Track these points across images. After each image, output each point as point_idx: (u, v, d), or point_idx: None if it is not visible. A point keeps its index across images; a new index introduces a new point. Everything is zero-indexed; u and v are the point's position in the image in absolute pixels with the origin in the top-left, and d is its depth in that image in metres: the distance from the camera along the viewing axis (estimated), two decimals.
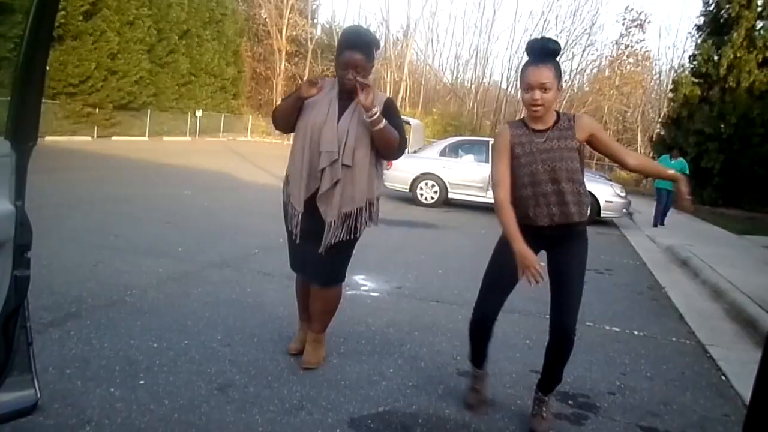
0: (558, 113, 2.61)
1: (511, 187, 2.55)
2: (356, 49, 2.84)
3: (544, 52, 2.51)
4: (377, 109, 2.82)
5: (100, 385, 2.71)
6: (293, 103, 2.95)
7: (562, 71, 2.61)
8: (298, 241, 2.99)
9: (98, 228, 6.20)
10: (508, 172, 2.55)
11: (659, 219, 11.84)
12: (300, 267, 3.17)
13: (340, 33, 3.05)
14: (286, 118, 3.01)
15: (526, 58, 2.59)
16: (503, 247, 2.57)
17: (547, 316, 2.75)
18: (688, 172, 11.76)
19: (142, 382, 2.79)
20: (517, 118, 2.67)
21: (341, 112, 2.93)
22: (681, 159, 12.37)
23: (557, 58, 2.56)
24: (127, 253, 5.21)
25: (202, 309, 3.93)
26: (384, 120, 2.84)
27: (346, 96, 2.94)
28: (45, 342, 3.08)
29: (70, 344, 3.13)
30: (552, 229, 2.56)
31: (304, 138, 2.92)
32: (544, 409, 2.77)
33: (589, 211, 2.68)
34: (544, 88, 2.46)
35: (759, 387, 1.05)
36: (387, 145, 2.93)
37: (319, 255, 2.96)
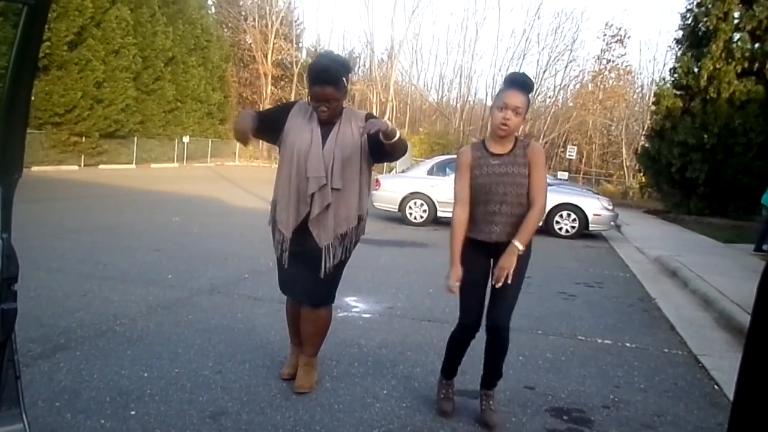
0: (516, 139, 2.83)
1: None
2: (324, 83, 2.86)
3: (523, 84, 2.77)
4: (391, 126, 2.79)
5: (90, 417, 2.68)
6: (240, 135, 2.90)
7: (530, 106, 2.90)
8: (287, 266, 3.02)
9: (87, 257, 6.16)
10: (468, 190, 2.81)
11: (763, 242, 10.27)
12: (290, 289, 3.16)
13: (310, 63, 3.06)
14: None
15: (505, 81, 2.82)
16: (464, 256, 2.83)
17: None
18: None
19: (133, 412, 2.76)
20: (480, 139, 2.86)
21: (324, 137, 2.96)
22: None
23: (529, 95, 2.82)
24: (116, 282, 5.17)
25: (192, 336, 3.91)
26: (396, 129, 2.82)
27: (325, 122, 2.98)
28: (34, 375, 3.05)
29: (59, 376, 3.09)
30: (494, 245, 2.78)
31: (290, 165, 2.95)
32: (491, 403, 2.97)
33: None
34: (516, 111, 2.70)
35: (740, 388, 1.06)
36: (402, 150, 2.94)
37: (311, 276, 2.98)
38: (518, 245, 2.69)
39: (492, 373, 2.98)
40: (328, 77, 2.87)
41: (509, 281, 2.70)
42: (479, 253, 2.84)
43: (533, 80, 2.92)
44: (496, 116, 2.73)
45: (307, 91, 3.01)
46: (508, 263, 2.68)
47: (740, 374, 1.05)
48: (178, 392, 3.02)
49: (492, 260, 2.85)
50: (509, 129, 2.72)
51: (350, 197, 2.98)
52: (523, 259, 2.80)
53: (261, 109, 3.07)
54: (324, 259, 2.95)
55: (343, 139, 2.96)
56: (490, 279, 2.83)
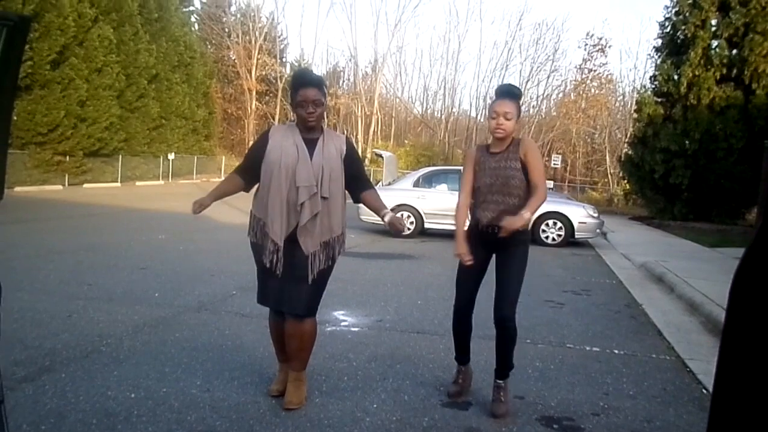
0: (512, 140, 3.21)
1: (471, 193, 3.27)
2: (308, 85, 3.02)
3: (510, 93, 3.21)
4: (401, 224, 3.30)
5: None
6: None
7: (521, 111, 3.34)
8: (281, 274, 3.02)
9: (71, 278, 6.10)
10: (470, 180, 3.26)
11: None
12: (273, 299, 3.13)
13: (290, 77, 3.30)
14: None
15: (492, 92, 3.13)
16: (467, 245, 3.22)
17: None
18: None
19: None
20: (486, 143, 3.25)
21: (311, 150, 3.06)
22: None
23: (519, 102, 3.26)
24: (101, 302, 5.12)
25: (180, 355, 3.87)
26: (390, 212, 3.25)
27: (309, 132, 3.09)
28: (18, 398, 3.00)
29: (44, 399, 3.05)
30: (492, 235, 3.12)
31: (279, 177, 2.99)
32: (501, 394, 3.19)
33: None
34: (506, 117, 3.12)
35: (717, 389, 1.07)
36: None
37: (296, 286, 3.01)
38: (525, 212, 2.99)
39: (501, 363, 3.21)
40: (313, 79, 3.07)
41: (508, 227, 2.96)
42: (479, 245, 3.19)
43: (519, 87, 3.40)
44: (491, 124, 3.17)
45: (290, 106, 3.10)
46: (510, 221, 2.95)
47: (717, 374, 1.07)
48: (166, 412, 2.99)
49: (492, 254, 3.24)
50: (505, 131, 3.13)
51: (335, 208, 3.10)
52: (521, 255, 3.15)
53: (240, 164, 3.32)
54: (309, 266, 3.02)
55: (329, 155, 3.08)
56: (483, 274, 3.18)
